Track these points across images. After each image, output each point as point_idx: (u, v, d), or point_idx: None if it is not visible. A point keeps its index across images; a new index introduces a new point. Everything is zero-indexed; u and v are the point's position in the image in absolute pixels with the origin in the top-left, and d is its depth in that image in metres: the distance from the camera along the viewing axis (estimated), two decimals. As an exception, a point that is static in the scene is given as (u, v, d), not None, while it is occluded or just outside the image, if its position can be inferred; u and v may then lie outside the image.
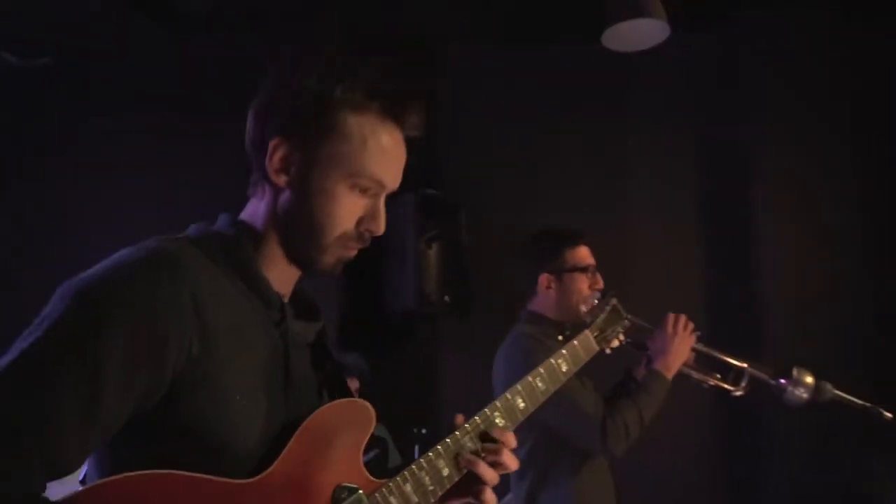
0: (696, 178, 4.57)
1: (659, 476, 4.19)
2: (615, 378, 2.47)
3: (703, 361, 2.43)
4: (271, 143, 1.12)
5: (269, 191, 1.15)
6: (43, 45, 4.01)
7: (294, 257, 1.16)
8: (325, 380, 1.24)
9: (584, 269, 2.38)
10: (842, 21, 4.02)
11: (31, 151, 4.35)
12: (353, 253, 1.18)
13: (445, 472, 1.17)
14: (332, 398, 1.21)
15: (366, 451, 1.16)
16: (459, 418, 1.24)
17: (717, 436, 4.34)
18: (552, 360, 1.40)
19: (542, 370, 1.37)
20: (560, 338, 2.28)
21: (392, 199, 4.38)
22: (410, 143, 1.22)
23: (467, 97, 4.84)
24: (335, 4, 3.93)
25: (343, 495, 1.08)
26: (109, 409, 0.95)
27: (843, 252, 4.00)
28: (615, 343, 1.64)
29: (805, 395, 2.32)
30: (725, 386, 2.36)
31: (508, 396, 1.30)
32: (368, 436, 1.13)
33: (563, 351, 1.43)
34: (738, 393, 2.37)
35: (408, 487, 1.13)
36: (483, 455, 1.19)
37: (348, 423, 1.12)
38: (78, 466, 0.98)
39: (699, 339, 2.36)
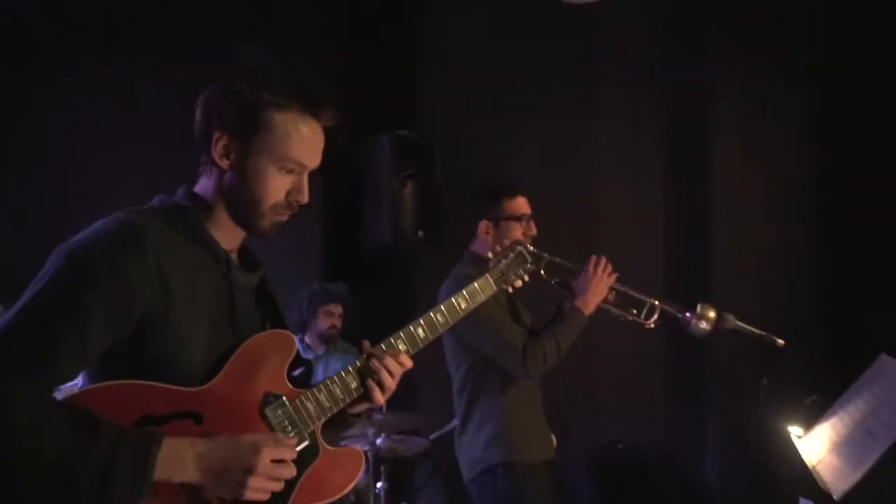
0: (661, 123, 4.79)
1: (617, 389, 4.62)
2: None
3: (622, 298, 2.75)
4: (214, 136, 1.44)
5: (216, 171, 1.47)
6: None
7: (238, 222, 1.49)
8: (266, 316, 1.59)
9: (518, 218, 2.64)
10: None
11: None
12: (285, 218, 1.51)
13: (353, 385, 1.53)
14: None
15: (294, 370, 1.52)
16: (366, 344, 1.58)
17: (668, 355, 4.74)
18: (452, 299, 1.71)
19: (442, 307, 1.68)
20: None
21: (368, 140, 4.70)
22: (328, 131, 1.52)
23: (444, 41, 5.02)
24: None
25: (270, 399, 1.44)
26: (93, 341, 1.30)
27: (794, 210, 4.26)
28: (518, 283, 1.90)
29: (707, 328, 2.63)
30: (640, 320, 2.66)
31: (411, 327, 1.62)
32: (291, 357, 1.48)
33: (463, 291, 1.75)
34: (651, 325, 2.67)
35: (321, 396, 1.49)
36: (375, 374, 1.53)
37: (275, 347, 1.47)
38: (73, 379, 1.35)
39: (618, 280, 2.63)
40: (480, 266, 2.64)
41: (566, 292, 2.65)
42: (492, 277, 1.83)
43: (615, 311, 2.69)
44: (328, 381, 1.51)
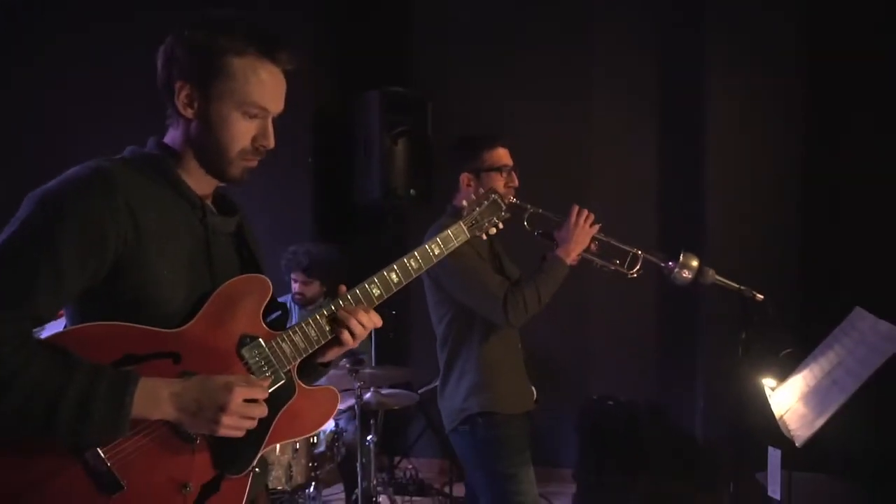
0: (656, 80, 4.79)
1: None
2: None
3: (604, 248, 2.78)
4: (176, 86, 1.46)
5: (182, 122, 1.50)
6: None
7: (208, 171, 1.52)
8: (245, 260, 1.63)
9: (499, 169, 2.64)
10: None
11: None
12: (255, 164, 1.53)
13: (328, 328, 1.58)
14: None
15: (270, 313, 1.56)
16: (342, 289, 1.63)
17: (658, 313, 4.80)
18: (426, 246, 1.74)
19: (416, 253, 1.72)
20: None
21: (359, 96, 4.69)
22: (287, 75, 1.53)
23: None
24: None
25: (246, 341, 1.49)
26: (69, 282, 1.33)
27: (781, 175, 4.29)
28: (492, 231, 1.91)
29: (689, 276, 2.62)
30: (622, 270, 2.67)
31: (385, 272, 1.66)
32: (267, 300, 1.53)
33: (437, 238, 1.78)
34: (634, 275, 2.69)
35: (297, 338, 1.54)
36: (347, 320, 1.57)
37: (251, 291, 1.51)
38: (51, 319, 1.39)
39: (601, 230, 2.64)
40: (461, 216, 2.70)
41: (549, 242, 2.67)
42: (465, 224, 1.86)
43: (598, 261, 2.69)
44: (303, 324, 1.56)
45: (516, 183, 2.70)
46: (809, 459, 2.28)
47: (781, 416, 2.25)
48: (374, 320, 1.61)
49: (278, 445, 2.90)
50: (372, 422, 3.69)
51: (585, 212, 2.62)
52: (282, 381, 1.52)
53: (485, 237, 1.93)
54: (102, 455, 1.35)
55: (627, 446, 4.30)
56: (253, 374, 1.49)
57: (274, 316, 1.57)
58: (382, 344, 4.40)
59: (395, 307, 4.54)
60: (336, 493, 4.29)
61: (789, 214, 4.29)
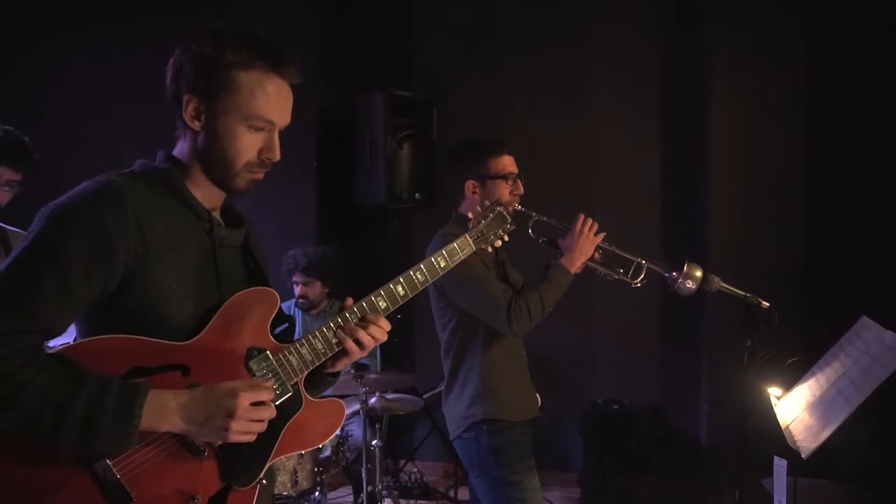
0: (658, 78, 4.78)
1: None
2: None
3: (609, 257, 2.78)
4: (184, 98, 1.47)
5: (189, 134, 1.51)
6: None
7: (214, 182, 1.53)
8: (251, 272, 1.64)
9: (504, 177, 2.63)
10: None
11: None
12: (261, 176, 1.54)
13: (335, 340, 1.59)
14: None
15: (277, 326, 1.57)
16: (349, 300, 1.63)
17: (662, 318, 4.80)
18: (432, 258, 1.75)
19: (422, 266, 1.73)
20: None
21: (364, 100, 4.68)
22: (294, 88, 1.54)
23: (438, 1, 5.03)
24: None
25: (254, 353, 1.50)
26: (78, 294, 1.35)
27: (784, 176, 4.30)
28: (497, 243, 1.93)
29: (693, 287, 2.63)
30: (626, 279, 2.66)
31: (391, 285, 1.67)
32: (274, 313, 1.53)
33: (443, 250, 1.79)
34: (637, 284, 2.69)
35: (304, 350, 1.55)
36: (355, 331, 1.58)
37: (259, 303, 1.52)
38: (61, 332, 1.40)
39: (605, 239, 2.63)
40: (466, 226, 2.69)
41: (554, 251, 2.67)
42: (471, 237, 1.87)
43: (602, 269, 2.69)
44: (310, 336, 1.57)
45: (521, 191, 2.69)
46: (814, 465, 2.28)
47: (787, 426, 2.25)
48: (382, 326, 1.61)
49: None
50: (377, 426, 3.70)
51: (590, 221, 2.62)
52: (289, 394, 1.53)
53: (490, 250, 1.94)
54: (112, 466, 1.36)
55: (631, 450, 4.30)
56: None
57: (281, 328, 1.58)
58: (387, 349, 4.40)
59: (399, 312, 4.53)
60: (342, 496, 4.31)
61: (792, 215, 4.30)
